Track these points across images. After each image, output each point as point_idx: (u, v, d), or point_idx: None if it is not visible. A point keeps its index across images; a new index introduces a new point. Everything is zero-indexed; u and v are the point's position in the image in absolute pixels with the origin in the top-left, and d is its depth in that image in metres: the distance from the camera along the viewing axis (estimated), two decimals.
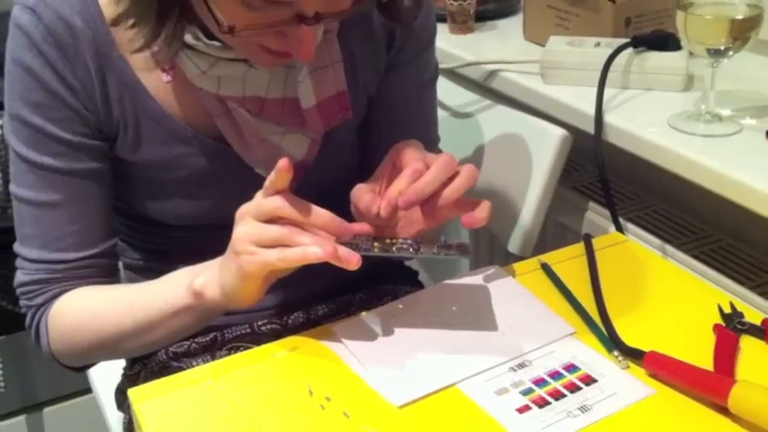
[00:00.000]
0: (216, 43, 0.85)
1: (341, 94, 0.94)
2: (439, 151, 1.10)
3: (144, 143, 0.92)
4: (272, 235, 0.78)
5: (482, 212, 0.83)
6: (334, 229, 0.80)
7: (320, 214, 0.79)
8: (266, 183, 0.80)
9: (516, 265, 0.98)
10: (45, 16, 0.85)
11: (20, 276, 0.93)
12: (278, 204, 0.79)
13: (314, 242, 0.77)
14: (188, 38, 0.85)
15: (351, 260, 0.77)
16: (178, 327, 0.89)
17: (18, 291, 0.93)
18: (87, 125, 0.89)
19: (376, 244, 0.82)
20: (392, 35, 0.99)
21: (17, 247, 0.93)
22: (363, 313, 0.89)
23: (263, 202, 0.80)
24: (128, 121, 0.91)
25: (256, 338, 1.00)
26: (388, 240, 0.83)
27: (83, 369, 1.01)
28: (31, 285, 0.92)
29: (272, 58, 0.83)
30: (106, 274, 0.94)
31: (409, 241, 0.83)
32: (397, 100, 1.03)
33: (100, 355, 0.98)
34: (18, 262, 0.93)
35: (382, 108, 1.03)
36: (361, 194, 0.85)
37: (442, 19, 1.46)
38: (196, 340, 1.01)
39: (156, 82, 0.90)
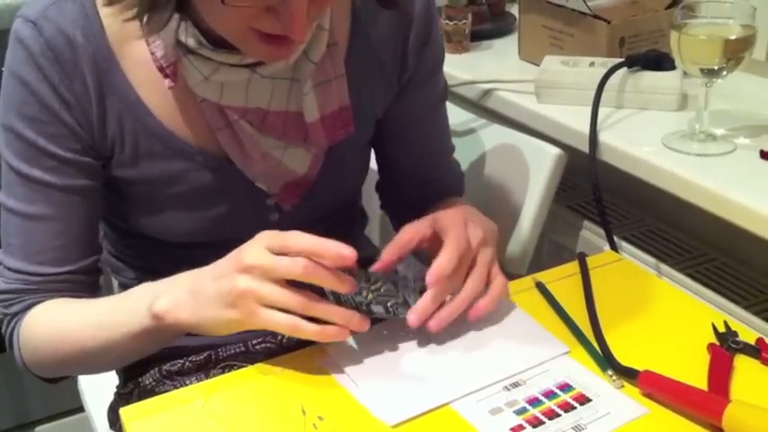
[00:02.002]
0: (219, 49, 0.85)
1: (344, 109, 0.94)
2: (456, 163, 1.13)
3: (143, 159, 0.92)
4: (281, 299, 0.78)
5: (488, 301, 0.86)
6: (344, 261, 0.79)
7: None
8: (296, 241, 0.80)
9: (511, 284, 0.97)
10: (46, 30, 0.85)
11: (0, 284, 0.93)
12: (294, 271, 0.78)
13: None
14: (190, 42, 0.85)
15: (362, 327, 0.81)
16: (140, 348, 0.88)
17: None
18: (80, 142, 0.89)
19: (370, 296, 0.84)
20: (404, 65, 0.99)
21: (1, 256, 0.93)
22: (357, 334, 0.88)
23: (276, 263, 0.78)
24: (125, 138, 0.90)
25: (251, 357, 0.99)
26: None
27: (57, 380, 0.99)
28: (8, 294, 0.92)
29: (267, 47, 0.81)
30: (83, 289, 0.94)
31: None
32: (409, 120, 1.04)
33: (68, 369, 0.97)
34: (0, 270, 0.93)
35: (394, 127, 1.04)
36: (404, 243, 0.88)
37: None
38: (190, 359, 1.00)
39: (156, 98, 0.90)
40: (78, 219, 0.92)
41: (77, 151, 0.89)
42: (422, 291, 0.86)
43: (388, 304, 0.83)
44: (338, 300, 0.82)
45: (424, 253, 0.93)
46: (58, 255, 0.91)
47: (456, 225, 0.88)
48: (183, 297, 0.83)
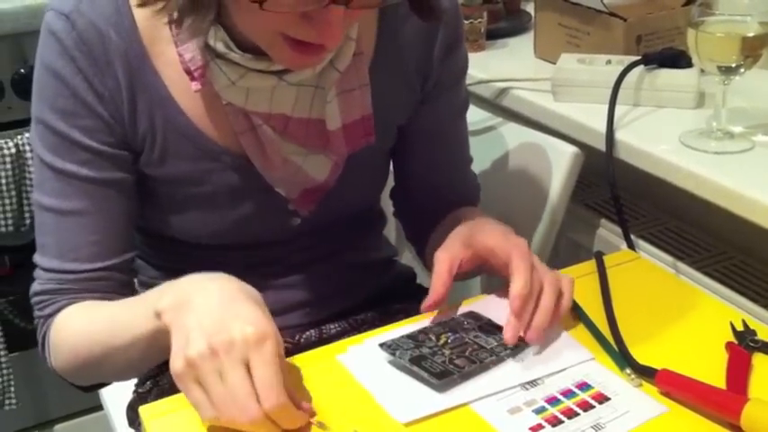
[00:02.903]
0: (247, 55, 0.85)
1: (366, 118, 0.94)
2: (473, 174, 1.12)
3: (170, 158, 0.92)
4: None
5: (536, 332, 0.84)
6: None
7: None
8: None
9: None
10: (79, 24, 0.86)
11: (34, 286, 0.93)
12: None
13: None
14: (219, 46, 0.85)
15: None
16: (150, 352, 0.84)
17: (32, 301, 0.93)
18: (113, 135, 0.89)
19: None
20: (429, 72, 0.99)
21: (35, 257, 0.93)
22: (377, 332, 0.89)
23: (232, 380, 0.71)
24: (156, 135, 0.91)
25: None
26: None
27: (91, 389, 0.99)
28: (42, 295, 0.92)
29: (296, 54, 0.80)
30: (117, 288, 0.93)
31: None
32: (432, 128, 1.04)
33: (91, 375, 0.94)
34: (35, 272, 0.93)
35: (416, 135, 1.04)
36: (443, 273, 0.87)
37: None
38: None
39: (187, 98, 0.90)
40: (113, 213, 0.91)
41: (112, 144, 0.89)
42: (480, 327, 0.87)
43: (467, 353, 0.83)
44: (423, 364, 0.81)
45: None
46: (93, 251, 0.91)
47: (517, 247, 0.87)
48: (182, 298, 0.78)
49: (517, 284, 0.83)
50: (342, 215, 0.88)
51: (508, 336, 0.83)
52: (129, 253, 0.94)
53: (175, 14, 0.81)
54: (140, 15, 0.87)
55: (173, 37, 0.87)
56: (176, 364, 0.73)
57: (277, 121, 0.90)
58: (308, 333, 1.03)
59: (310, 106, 0.91)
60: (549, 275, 0.86)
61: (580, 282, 0.95)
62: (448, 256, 0.89)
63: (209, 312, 0.75)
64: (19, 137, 1.60)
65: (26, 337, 1.73)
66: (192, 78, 0.87)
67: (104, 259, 0.92)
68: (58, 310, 0.91)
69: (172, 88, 0.89)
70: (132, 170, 0.92)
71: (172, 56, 0.88)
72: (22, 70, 1.62)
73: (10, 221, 1.62)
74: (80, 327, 0.90)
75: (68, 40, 0.86)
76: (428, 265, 1.03)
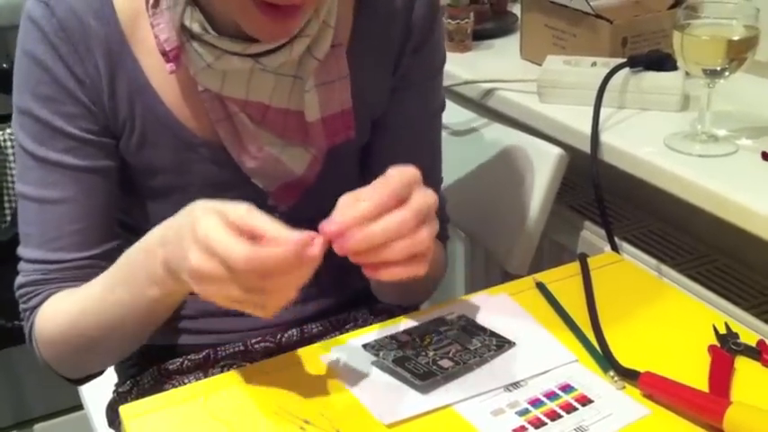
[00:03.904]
0: (223, 37, 0.85)
1: (346, 112, 0.94)
2: (444, 199, 1.05)
3: (149, 146, 0.91)
4: (232, 294, 0.71)
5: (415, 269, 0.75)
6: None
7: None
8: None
9: (512, 284, 0.97)
10: (58, 11, 0.85)
11: (18, 279, 0.92)
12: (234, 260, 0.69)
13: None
14: (195, 27, 0.84)
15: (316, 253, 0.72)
16: (154, 306, 0.83)
17: (17, 294, 0.92)
18: (96, 122, 0.89)
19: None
20: (400, 58, 0.98)
21: (18, 250, 0.92)
22: (360, 332, 0.88)
23: (221, 248, 0.70)
24: (135, 122, 0.90)
25: (250, 356, 0.99)
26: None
27: (81, 382, 0.97)
28: (27, 287, 0.91)
29: (268, 20, 0.80)
30: None
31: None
32: (404, 123, 1.01)
33: (85, 359, 0.93)
34: (19, 265, 0.92)
35: (388, 131, 1.01)
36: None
37: None
38: (189, 357, 1.00)
39: (167, 87, 0.90)
40: (96, 202, 0.91)
41: (94, 131, 0.89)
42: (464, 328, 0.87)
43: (450, 354, 0.83)
44: (406, 365, 0.81)
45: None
46: (77, 239, 0.90)
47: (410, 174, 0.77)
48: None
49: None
50: (323, 211, 0.87)
51: (332, 229, 0.74)
52: (112, 242, 0.93)
53: None
54: (120, 2, 0.87)
55: (149, 18, 0.86)
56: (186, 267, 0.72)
57: (254, 110, 0.89)
58: (289, 332, 1.02)
59: (289, 96, 0.90)
60: (419, 195, 0.75)
61: (564, 283, 0.96)
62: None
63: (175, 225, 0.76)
64: (0, 132, 1.58)
65: (5, 335, 1.71)
66: (168, 60, 0.86)
67: (88, 248, 0.91)
68: (44, 301, 0.90)
69: (152, 77, 0.89)
70: (115, 157, 0.92)
71: (152, 43, 0.87)
72: (5, 65, 1.60)
73: None
74: (68, 308, 0.89)
75: (48, 26, 0.85)
76: (375, 291, 1.03)
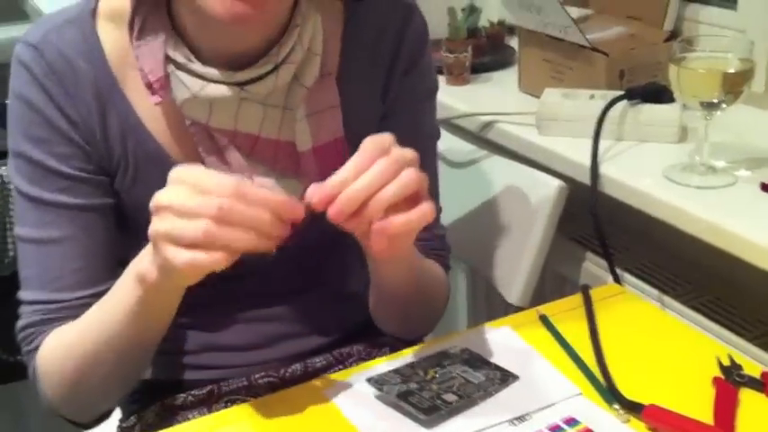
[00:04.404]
0: (209, 67, 0.85)
1: (338, 141, 0.93)
2: (443, 229, 1.05)
3: (140, 183, 0.91)
4: (190, 233, 0.70)
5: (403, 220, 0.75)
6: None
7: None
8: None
9: (514, 317, 0.97)
10: (47, 53, 0.87)
11: (19, 322, 0.91)
12: (206, 211, 0.70)
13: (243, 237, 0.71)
14: (179, 56, 0.85)
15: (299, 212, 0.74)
16: (144, 324, 0.83)
17: (18, 337, 0.91)
18: (89, 161, 0.89)
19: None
20: (389, 83, 0.98)
21: (19, 294, 0.92)
22: (363, 366, 0.88)
23: (187, 202, 0.71)
24: (128, 160, 0.91)
25: (253, 391, 0.99)
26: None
27: (89, 426, 0.96)
28: (28, 329, 0.90)
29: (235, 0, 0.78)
30: None
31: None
32: None
33: (86, 393, 0.91)
34: (20, 309, 0.92)
35: None
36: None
37: (439, 71, 1.48)
38: (192, 393, 1.00)
39: (157, 123, 0.90)
40: (94, 240, 0.91)
41: (88, 170, 0.89)
42: (467, 362, 0.87)
43: (455, 388, 0.83)
44: (410, 400, 0.81)
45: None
46: (76, 279, 0.90)
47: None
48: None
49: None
50: (321, 244, 0.87)
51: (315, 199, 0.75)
52: (113, 280, 0.93)
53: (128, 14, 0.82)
54: (108, 42, 0.88)
55: (134, 50, 0.87)
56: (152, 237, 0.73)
57: (244, 141, 0.89)
58: (293, 367, 1.02)
59: (279, 128, 0.90)
60: (390, 163, 0.75)
61: (566, 315, 0.96)
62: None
63: None
64: (4, 168, 1.59)
65: (7, 370, 1.70)
66: (153, 92, 0.87)
67: (89, 287, 0.90)
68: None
69: (142, 114, 0.90)
70: (111, 195, 0.92)
71: (140, 81, 0.88)
72: (7, 101, 1.61)
73: None
74: (65, 338, 0.88)
75: (38, 69, 0.87)
76: (376, 319, 1.02)
